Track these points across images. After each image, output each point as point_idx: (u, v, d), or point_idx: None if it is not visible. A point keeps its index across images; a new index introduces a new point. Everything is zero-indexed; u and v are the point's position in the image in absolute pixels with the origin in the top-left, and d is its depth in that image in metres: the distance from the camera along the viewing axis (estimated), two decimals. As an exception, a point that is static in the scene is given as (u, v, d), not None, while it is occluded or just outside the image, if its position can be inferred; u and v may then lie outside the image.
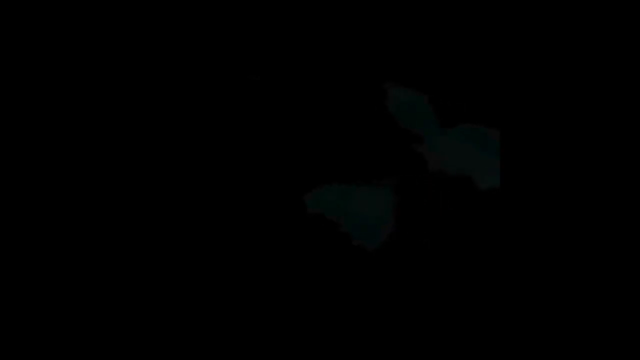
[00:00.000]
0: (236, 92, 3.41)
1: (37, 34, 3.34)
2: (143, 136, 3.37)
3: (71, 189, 3.29)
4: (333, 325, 3.27)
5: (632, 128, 3.11)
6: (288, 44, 3.39)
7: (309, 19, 3.39)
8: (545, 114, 3.19)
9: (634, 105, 3.13)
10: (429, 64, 3.40)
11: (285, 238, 3.31)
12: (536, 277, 3.13)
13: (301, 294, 3.28)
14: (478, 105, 3.38)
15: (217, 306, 3.27)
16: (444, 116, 3.37)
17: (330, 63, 3.40)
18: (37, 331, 3.19)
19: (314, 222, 3.31)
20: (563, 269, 3.11)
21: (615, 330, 3.05)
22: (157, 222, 3.31)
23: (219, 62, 3.40)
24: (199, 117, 3.40)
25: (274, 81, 3.39)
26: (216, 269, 3.29)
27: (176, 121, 3.39)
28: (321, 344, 3.25)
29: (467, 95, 3.38)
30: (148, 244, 3.30)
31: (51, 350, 3.18)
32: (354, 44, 3.40)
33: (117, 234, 3.27)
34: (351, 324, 3.27)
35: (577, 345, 3.06)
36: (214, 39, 3.40)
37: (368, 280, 3.29)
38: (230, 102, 3.40)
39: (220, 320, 3.25)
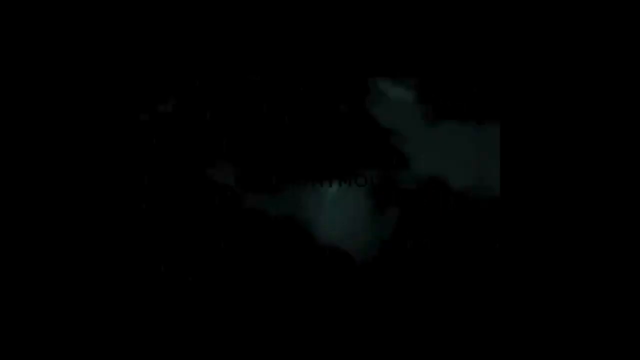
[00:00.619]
0: (236, 92, 3.41)
1: (37, 34, 3.34)
2: (142, 136, 3.38)
3: (70, 188, 3.30)
4: (318, 325, 3.29)
5: (631, 127, 3.12)
6: (288, 44, 3.39)
7: (306, 19, 3.38)
8: (545, 113, 3.20)
9: (633, 105, 3.14)
10: (428, 63, 3.39)
11: (273, 236, 3.33)
12: (534, 278, 3.14)
13: (285, 296, 3.30)
14: (477, 104, 3.38)
15: (205, 310, 3.29)
16: (432, 114, 3.37)
17: (327, 61, 3.39)
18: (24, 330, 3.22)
19: (292, 223, 3.33)
20: (562, 269, 3.12)
21: (613, 331, 3.07)
22: (153, 217, 3.33)
23: (219, 62, 3.40)
24: (198, 117, 3.40)
25: (274, 81, 3.39)
26: (206, 273, 3.31)
27: (175, 120, 3.40)
28: (307, 345, 3.27)
29: (467, 94, 3.38)
30: (140, 239, 3.32)
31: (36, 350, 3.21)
32: (350, 42, 3.39)
33: (111, 232, 3.29)
34: (335, 325, 3.29)
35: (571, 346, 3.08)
36: (214, 39, 3.40)
37: (352, 281, 3.31)
38: (230, 102, 3.41)
39: (208, 323, 3.28)
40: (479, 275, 3.29)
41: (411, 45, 3.37)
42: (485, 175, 3.34)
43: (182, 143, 3.40)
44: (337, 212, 3.34)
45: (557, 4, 3.19)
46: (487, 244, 3.29)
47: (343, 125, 3.40)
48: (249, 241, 3.35)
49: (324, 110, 3.39)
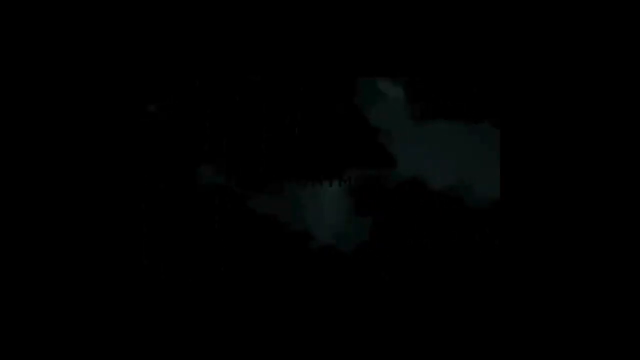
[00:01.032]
0: (236, 92, 3.41)
1: (37, 34, 3.35)
2: (142, 135, 3.38)
3: (70, 188, 3.30)
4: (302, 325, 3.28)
5: (631, 127, 3.12)
6: (288, 44, 3.39)
7: (298, 18, 3.38)
8: (544, 113, 3.19)
9: (634, 105, 3.13)
10: (423, 62, 3.39)
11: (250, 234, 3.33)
12: (533, 278, 3.13)
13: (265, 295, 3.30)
14: (475, 104, 3.37)
15: (204, 309, 3.28)
16: (429, 114, 3.36)
17: (326, 60, 3.39)
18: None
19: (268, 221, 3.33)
20: (561, 269, 3.11)
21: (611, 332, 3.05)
22: (152, 217, 3.33)
23: (219, 62, 3.41)
24: (198, 116, 3.41)
25: (274, 81, 3.39)
26: (199, 274, 3.31)
27: (175, 120, 3.40)
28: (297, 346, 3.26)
29: (464, 94, 3.38)
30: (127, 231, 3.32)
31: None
32: (348, 42, 3.39)
33: (110, 232, 3.29)
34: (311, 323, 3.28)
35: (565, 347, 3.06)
36: (214, 39, 3.40)
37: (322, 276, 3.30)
38: (230, 102, 3.41)
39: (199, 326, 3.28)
40: (478, 274, 3.29)
41: (408, 44, 3.37)
42: (482, 175, 3.34)
43: (182, 143, 3.40)
44: (335, 211, 3.34)
45: (557, 4, 3.19)
46: (485, 244, 3.29)
47: (342, 126, 3.40)
48: (247, 242, 3.34)
49: (322, 110, 3.39)
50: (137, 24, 3.38)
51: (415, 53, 3.35)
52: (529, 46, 3.19)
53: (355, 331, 3.26)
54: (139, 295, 3.28)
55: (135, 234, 3.32)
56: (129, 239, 3.28)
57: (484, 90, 3.34)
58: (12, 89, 3.30)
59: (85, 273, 3.25)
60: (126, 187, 3.31)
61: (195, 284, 3.30)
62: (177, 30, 3.39)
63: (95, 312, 3.23)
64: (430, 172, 3.34)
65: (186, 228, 3.34)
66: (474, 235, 3.28)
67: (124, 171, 3.32)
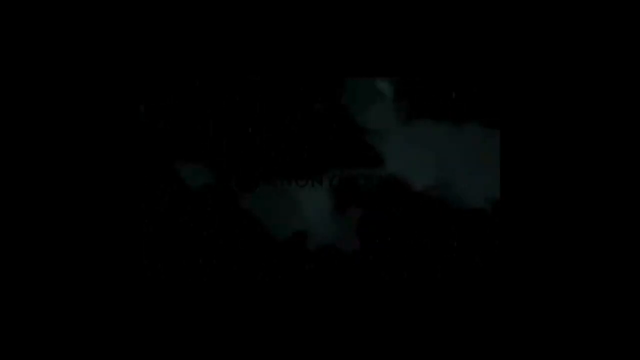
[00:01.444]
0: (236, 92, 3.42)
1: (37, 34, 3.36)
2: (141, 135, 3.39)
3: (72, 187, 3.31)
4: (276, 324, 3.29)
5: (632, 127, 3.12)
6: (288, 44, 3.40)
7: (304, 19, 3.39)
8: (544, 113, 3.20)
9: (634, 105, 3.13)
10: (422, 62, 3.40)
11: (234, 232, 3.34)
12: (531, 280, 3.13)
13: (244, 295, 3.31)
14: (476, 103, 3.38)
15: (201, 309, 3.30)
16: (421, 113, 3.37)
17: (325, 60, 3.40)
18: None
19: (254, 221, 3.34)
20: (562, 272, 3.12)
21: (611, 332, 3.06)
22: (151, 218, 3.34)
23: (219, 62, 3.41)
24: (197, 116, 3.41)
25: (274, 81, 3.40)
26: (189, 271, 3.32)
27: (174, 120, 3.41)
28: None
29: (466, 93, 3.38)
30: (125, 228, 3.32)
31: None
32: (349, 41, 3.40)
33: (109, 232, 3.30)
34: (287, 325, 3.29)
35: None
36: (214, 39, 3.41)
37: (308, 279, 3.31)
38: (230, 102, 3.42)
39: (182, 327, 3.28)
40: (477, 274, 3.29)
41: (407, 44, 3.37)
42: (482, 175, 3.34)
43: (181, 143, 3.41)
44: (332, 211, 3.35)
45: (556, 4, 3.19)
46: (484, 244, 3.29)
47: (341, 126, 3.40)
48: (245, 241, 3.35)
49: (322, 110, 3.40)
50: (137, 24, 3.38)
51: (413, 53, 3.35)
52: (528, 46, 3.19)
53: (354, 332, 3.27)
54: (139, 294, 3.29)
55: (135, 234, 3.32)
56: (129, 239, 3.28)
57: (483, 90, 3.34)
58: (11, 89, 3.30)
59: (85, 273, 3.25)
60: (126, 187, 3.32)
61: (195, 283, 3.31)
62: (177, 30, 3.39)
63: (95, 311, 3.24)
64: (429, 172, 3.34)
65: (185, 228, 3.35)
66: (474, 235, 3.29)
67: (124, 171, 3.32)
